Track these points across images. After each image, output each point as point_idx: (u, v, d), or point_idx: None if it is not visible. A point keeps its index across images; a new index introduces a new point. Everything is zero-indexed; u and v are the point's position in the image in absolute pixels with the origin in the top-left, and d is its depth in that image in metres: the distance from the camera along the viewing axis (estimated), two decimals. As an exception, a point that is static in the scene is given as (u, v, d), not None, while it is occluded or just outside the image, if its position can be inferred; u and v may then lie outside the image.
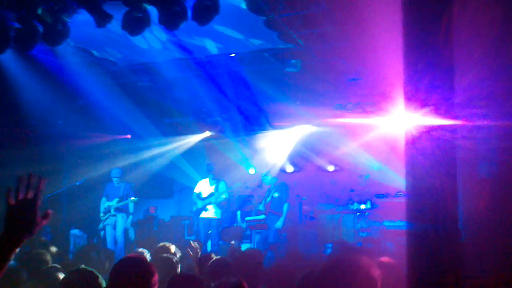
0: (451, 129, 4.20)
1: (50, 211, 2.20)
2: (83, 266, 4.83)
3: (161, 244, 6.37)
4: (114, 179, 11.59)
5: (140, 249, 6.57)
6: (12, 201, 2.15)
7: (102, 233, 11.64)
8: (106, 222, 11.45)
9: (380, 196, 12.12)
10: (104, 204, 11.54)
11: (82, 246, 10.83)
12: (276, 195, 11.53)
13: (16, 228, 2.12)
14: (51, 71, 10.21)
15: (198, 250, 5.75)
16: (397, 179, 11.64)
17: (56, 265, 5.32)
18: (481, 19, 4.31)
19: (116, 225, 11.39)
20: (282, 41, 8.57)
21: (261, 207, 11.79)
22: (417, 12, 4.55)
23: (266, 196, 11.75)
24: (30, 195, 2.16)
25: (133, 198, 11.47)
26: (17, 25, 8.13)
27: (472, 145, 4.14)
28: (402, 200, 11.22)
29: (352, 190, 12.86)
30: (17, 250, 2.14)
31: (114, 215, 11.41)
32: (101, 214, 11.53)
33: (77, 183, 12.08)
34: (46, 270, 5.05)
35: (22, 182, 2.16)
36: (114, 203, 11.42)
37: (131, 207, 11.59)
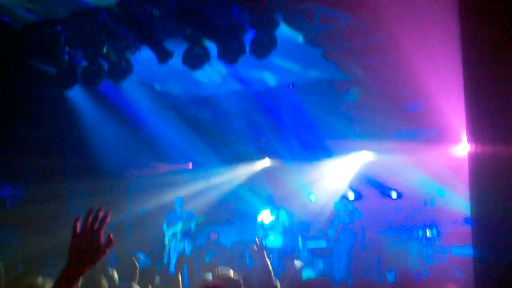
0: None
1: (111, 236, 2.25)
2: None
3: (220, 271, 6.39)
4: (177, 208, 11.84)
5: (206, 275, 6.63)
6: (78, 230, 2.23)
7: (166, 258, 11.83)
8: (172, 248, 11.65)
9: (447, 222, 11.73)
10: (168, 230, 11.76)
11: (144, 268, 11.04)
12: (347, 220, 11.54)
13: (80, 257, 2.18)
14: (116, 105, 10.59)
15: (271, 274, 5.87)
16: (463, 204, 11.24)
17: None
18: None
19: (184, 250, 11.60)
20: (340, 72, 8.54)
21: (330, 232, 11.75)
22: (478, 43, 4.45)
23: (335, 221, 11.73)
24: (95, 226, 2.23)
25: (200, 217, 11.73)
26: (84, 63, 8.54)
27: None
28: (470, 226, 10.88)
29: (416, 215, 12.54)
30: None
31: (180, 240, 11.63)
32: (166, 241, 11.74)
33: (142, 211, 12.39)
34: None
35: (90, 214, 2.25)
36: (178, 227, 11.62)
37: (193, 226, 11.77)
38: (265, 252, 6.18)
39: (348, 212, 11.63)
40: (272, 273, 6.05)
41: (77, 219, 2.26)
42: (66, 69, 8.63)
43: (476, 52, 4.40)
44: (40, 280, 6.49)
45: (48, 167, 11.05)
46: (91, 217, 2.25)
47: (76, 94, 9.80)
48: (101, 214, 2.27)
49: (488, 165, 4.03)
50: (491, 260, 3.77)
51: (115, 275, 6.87)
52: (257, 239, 6.42)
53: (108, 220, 2.25)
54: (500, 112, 4.25)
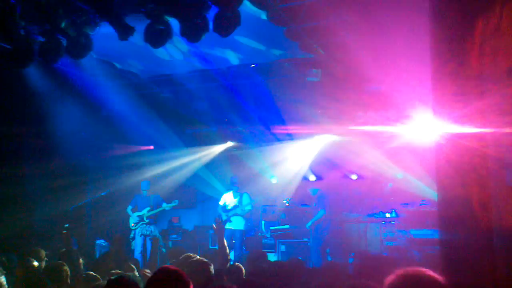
0: (479, 137, 4.12)
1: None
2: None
3: (185, 254, 6.36)
4: (144, 191, 11.76)
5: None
6: None
7: (132, 242, 11.72)
8: (138, 231, 11.56)
9: (405, 204, 11.96)
10: (133, 213, 11.65)
11: (102, 254, 10.95)
12: (315, 205, 11.82)
13: None
14: (75, 83, 10.36)
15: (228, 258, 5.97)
16: (421, 187, 11.49)
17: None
18: (507, 26, 4.23)
19: (152, 234, 11.52)
20: (303, 51, 8.54)
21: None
22: (443, 19, 4.48)
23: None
24: None
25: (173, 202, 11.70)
26: (41, 39, 8.27)
27: (500, 154, 4.04)
28: (428, 208, 11.15)
29: (376, 197, 12.82)
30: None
31: (148, 223, 11.55)
32: (132, 224, 11.63)
33: (102, 194, 12.21)
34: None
35: None
36: (145, 211, 11.56)
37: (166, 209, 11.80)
38: (223, 232, 6.38)
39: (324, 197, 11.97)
40: (229, 255, 6.33)
41: None
42: (22, 45, 8.31)
43: (445, 36, 4.45)
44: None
45: (4, 148, 10.76)
46: None
47: (33, 72, 9.50)
48: None
49: (452, 150, 4.10)
50: (455, 242, 3.85)
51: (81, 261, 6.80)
52: (217, 219, 6.60)
53: None
54: (467, 101, 4.31)
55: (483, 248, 3.73)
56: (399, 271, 2.74)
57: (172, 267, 3.43)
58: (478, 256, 3.64)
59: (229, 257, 6.29)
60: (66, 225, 8.15)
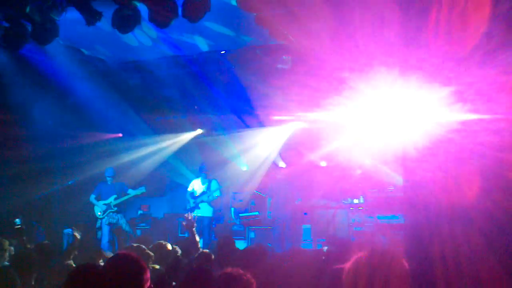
0: (443, 123, 4.22)
1: None
2: None
3: (157, 242, 6.39)
4: (108, 179, 11.60)
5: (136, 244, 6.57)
6: None
7: (99, 233, 11.58)
8: (105, 220, 11.41)
9: (372, 190, 12.14)
10: (99, 202, 11.50)
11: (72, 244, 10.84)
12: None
13: None
14: (41, 70, 10.17)
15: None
16: (388, 173, 11.65)
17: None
18: (472, 11, 4.33)
19: (119, 223, 11.42)
20: (273, 38, 8.55)
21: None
22: (406, 8, 4.56)
23: None
24: None
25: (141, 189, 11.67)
26: (5, 24, 8.09)
27: (462, 140, 4.16)
28: (394, 194, 11.33)
29: (344, 183, 12.99)
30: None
31: (115, 212, 11.42)
32: (99, 213, 11.47)
33: (69, 182, 12.05)
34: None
35: None
36: (111, 200, 11.41)
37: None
38: (194, 227, 6.65)
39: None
40: (199, 244, 6.61)
41: None
42: (-15, 31, 8.15)
43: (412, 24, 4.52)
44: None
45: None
46: None
47: (-3, 58, 9.33)
48: None
49: (419, 138, 4.20)
50: (417, 225, 3.95)
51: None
52: (186, 215, 6.90)
53: None
54: (432, 89, 4.40)
55: (444, 230, 3.84)
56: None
57: (129, 252, 3.44)
58: (440, 237, 3.75)
59: (199, 247, 6.53)
60: (18, 221, 8.02)
